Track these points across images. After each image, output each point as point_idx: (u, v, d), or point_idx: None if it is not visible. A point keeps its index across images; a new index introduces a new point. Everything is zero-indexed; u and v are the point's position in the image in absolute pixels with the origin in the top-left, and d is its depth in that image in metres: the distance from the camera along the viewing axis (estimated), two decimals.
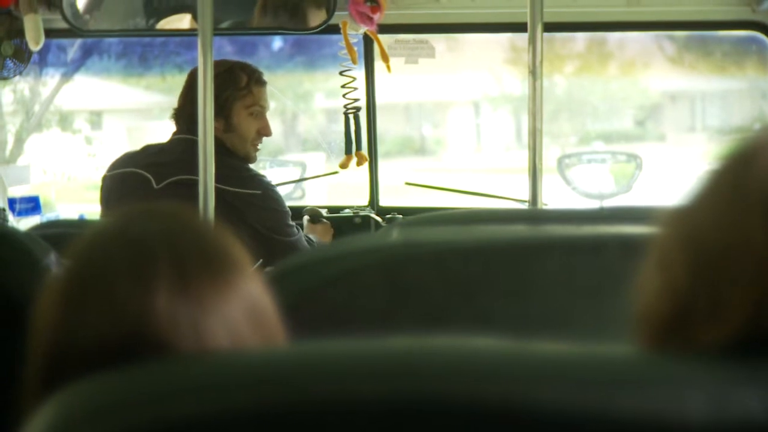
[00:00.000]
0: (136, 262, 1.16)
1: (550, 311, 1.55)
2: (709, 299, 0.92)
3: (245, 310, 1.17)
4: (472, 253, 1.57)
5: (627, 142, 11.26)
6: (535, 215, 2.21)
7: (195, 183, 3.26)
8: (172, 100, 3.82)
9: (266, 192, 3.70)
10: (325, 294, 1.52)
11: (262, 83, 3.79)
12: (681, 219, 0.97)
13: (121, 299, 1.15)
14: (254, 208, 3.63)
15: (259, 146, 3.81)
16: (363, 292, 1.52)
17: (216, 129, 3.48)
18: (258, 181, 3.71)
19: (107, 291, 1.16)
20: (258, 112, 3.76)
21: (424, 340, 0.90)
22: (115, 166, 3.82)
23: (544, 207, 3.21)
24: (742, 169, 0.94)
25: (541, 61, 3.12)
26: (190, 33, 3.98)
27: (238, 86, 3.74)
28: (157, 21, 4.39)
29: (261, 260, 3.59)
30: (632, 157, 4.71)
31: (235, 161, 3.69)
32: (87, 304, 1.17)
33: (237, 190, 3.61)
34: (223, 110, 3.69)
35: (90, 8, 4.30)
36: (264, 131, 3.78)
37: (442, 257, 1.55)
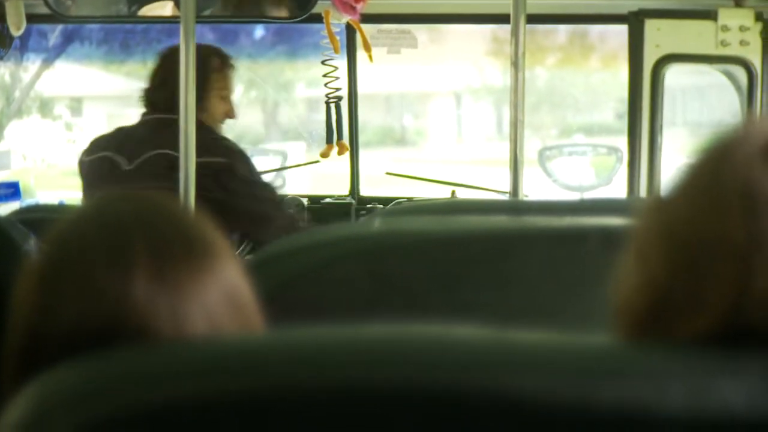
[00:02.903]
0: (114, 247, 1.16)
1: (531, 302, 1.55)
2: (687, 292, 0.92)
3: (224, 296, 1.17)
4: (454, 243, 1.57)
5: (608, 135, 11.29)
6: (516, 206, 2.22)
7: (168, 157, 3.28)
8: None
9: (233, 159, 3.69)
10: (306, 283, 1.52)
11: (233, 68, 3.89)
12: (659, 212, 0.98)
13: (98, 284, 1.14)
14: (222, 176, 3.61)
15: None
16: (344, 281, 1.52)
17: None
18: (224, 148, 3.72)
19: (85, 276, 1.16)
20: (227, 95, 3.85)
21: (404, 328, 0.90)
22: (88, 151, 3.82)
23: (525, 198, 3.21)
24: (719, 163, 0.94)
25: (524, 53, 3.12)
26: (173, 20, 3.97)
27: (212, 68, 3.81)
28: (140, 7, 4.37)
29: (237, 233, 3.59)
30: (613, 150, 4.72)
31: (203, 132, 3.67)
32: (64, 289, 1.16)
33: (204, 159, 3.61)
34: (198, 92, 3.70)
35: None
36: (230, 114, 3.85)
37: (424, 247, 1.55)
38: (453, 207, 1.99)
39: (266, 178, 5.08)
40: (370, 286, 1.52)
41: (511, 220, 1.70)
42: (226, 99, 3.84)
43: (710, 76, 4.33)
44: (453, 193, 4.57)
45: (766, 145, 0.94)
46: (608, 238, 1.49)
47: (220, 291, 1.17)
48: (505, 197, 3.34)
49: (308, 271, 1.52)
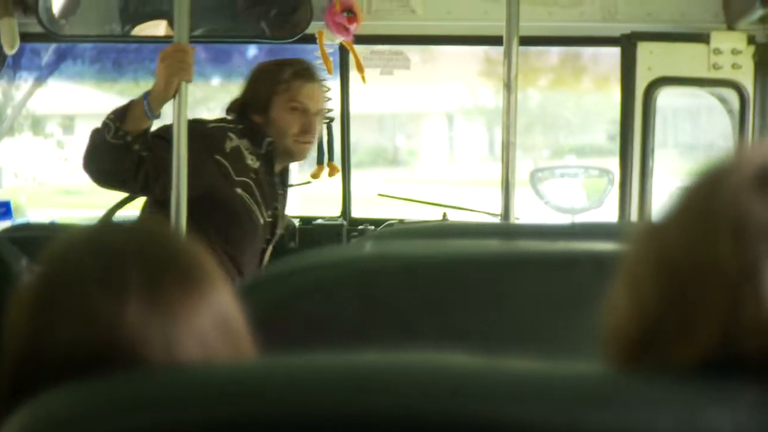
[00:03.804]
0: (108, 272, 1.16)
1: (522, 327, 1.55)
2: (678, 319, 0.92)
3: (215, 322, 1.17)
4: (445, 266, 1.57)
5: (600, 156, 11.30)
6: (507, 230, 2.22)
7: None
8: None
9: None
10: (296, 306, 1.52)
11: (305, 78, 3.68)
12: (650, 238, 0.98)
13: (92, 309, 1.15)
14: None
15: (309, 145, 3.73)
16: (335, 304, 1.52)
17: (258, 121, 3.61)
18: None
19: (78, 300, 1.16)
20: (298, 107, 3.65)
21: (396, 356, 0.90)
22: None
23: (516, 221, 3.22)
24: (710, 191, 0.95)
25: (516, 75, 3.13)
26: (166, 40, 3.98)
27: (279, 80, 3.66)
28: (133, 27, 4.38)
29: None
30: (604, 172, 4.72)
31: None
32: (58, 314, 1.16)
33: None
34: (262, 104, 3.66)
35: (66, 13, 4.29)
36: (306, 127, 3.65)
37: (414, 271, 1.55)
38: (444, 230, 1.99)
39: None
40: (361, 310, 1.52)
41: (502, 244, 1.70)
42: (300, 112, 3.67)
43: (703, 98, 4.35)
44: (444, 215, 4.57)
45: (757, 173, 0.94)
46: (599, 263, 1.49)
47: (212, 317, 1.17)
48: (497, 219, 3.34)
49: (300, 294, 1.52)
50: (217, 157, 3.50)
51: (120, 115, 3.33)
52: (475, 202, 4.75)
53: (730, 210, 0.92)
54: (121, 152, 3.33)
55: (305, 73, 3.69)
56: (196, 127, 3.42)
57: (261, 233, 3.63)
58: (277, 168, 3.71)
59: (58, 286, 1.18)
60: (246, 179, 3.54)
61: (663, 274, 0.95)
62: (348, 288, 1.53)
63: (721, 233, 0.92)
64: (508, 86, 3.12)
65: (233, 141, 3.56)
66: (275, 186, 3.70)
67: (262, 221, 3.59)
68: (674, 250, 0.95)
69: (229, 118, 3.70)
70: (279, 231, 3.79)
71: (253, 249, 3.65)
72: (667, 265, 0.95)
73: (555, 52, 10.48)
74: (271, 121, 3.63)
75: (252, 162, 3.57)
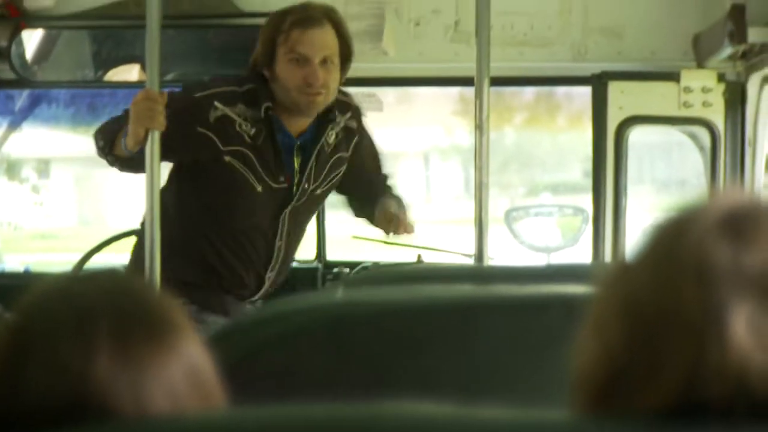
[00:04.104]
0: (79, 325, 1.16)
1: (494, 372, 1.55)
2: (644, 364, 0.93)
3: (185, 374, 1.17)
4: (417, 312, 1.57)
5: (575, 193, 11.34)
6: (480, 273, 2.22)
7: None
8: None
9: None
10: (268, 355, 1.52)
11: (303, 26, 3.39)
12: (617, 283, 0.99)
13: (62, 360, 1.15)
14: None
15: (315, 97, 3.40)
16: (306, 352, 1.52)
17: (268, 77, 3.43)
18: None
19: (49, 351, 1.16)
20: (299, 58, 3.38)
21: (366, 406, 0.90)
22: None
23: (490, 261, 3.22)
24: (676, 236, 0.95)
25: (488, 117, 3.15)
26: (138, 85, 3.98)
27: (279, 30, 3.40)
28: (106, 71, 4.39)
29: None
30: (579, 210, 4.74)
31: None
32: (28, 364, 1.16)
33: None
34: (267, 58, 3.44)
35: (38, 59, 4.30)
36: (309, 78, 3.36)
37: (387, 317, 1.55)
38: (417, 275, 1.99)
39: None
40: (333, 358, 1.52)
41: (474, 289, 1.71)
42: (301, 63, 3.38)
43: (676, 134, 4.38)
44: (419, 256, 4.57)
45: (722, 219, 0.95)
46: (570, 306, 1.50)
47: (181, 368, 1.17)
48: (471, 260, 3.35)
49: (271, 343, 1.52)
50: (200, 129, 3.41)
51: (108, 139, 3.35)
52: (451, 242, 4.76)
53: (694, 255, 0.93)
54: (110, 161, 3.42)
55: (304, 20, 3.39)
56: (182, 97, 3.42)
57: (266, 199, 3.48)
58: (297, 125, 3.49)
59: (29, 337, 1.18)
60: (237, 147, 3.42)
61: (629, 318, 0.95)
62: (319, 336, 1.53)
63: (686, 278, 0.92)
64: (480, 127, 3.13)
65: (218, 110, 3.41)
66: (293, 150, 3.49)
67: (260, 188, 3.45)
68: (640, 295, 0.95)
69: (234, 78, 3.56)
70: (306, 195, 3.54)
71: (256, 216, 3.51)
72: (633, 309, 0.95)
73: (529, 90, 10.54)
74: (276, 75, 3.42)
75: (246, 128, 3.41)
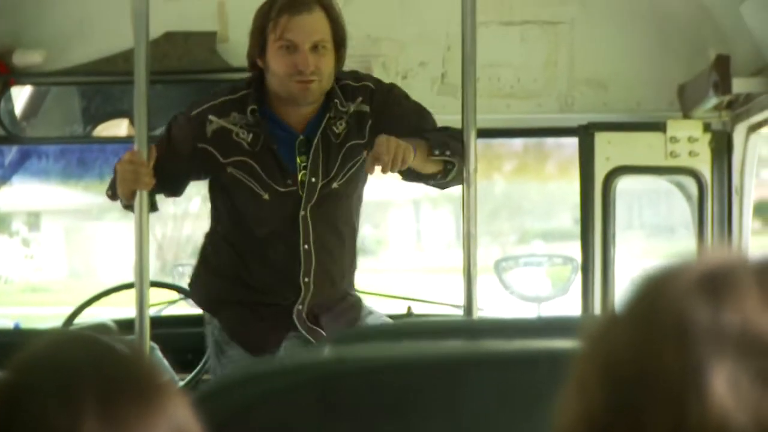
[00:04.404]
0: (65, 389, 1.17)
1: (483, 428, 1.55)
2: (626, 425, 0.93)
3: None
4: (405, 369, 1.57)
5: (567, 240, 11.37)
6: (468, 327, 2.23)
7: None
8: (111, 201, 3.76)
9: None
10: (255, 414, 1.52)
11: (290, 12, 3.28)
12: (598, 342, 0.99)
13: (49, 424, 1.15)
14: None
15: (307, 84, 3.28)
16: (294, 411, 1.52)
17: (261, 67, 3.34)
18: None
19: (36, 415, 1.16)
20: (288, 45, 3.27)
21: None
22: None
23: (480, 312, 3.22)
24: (656, 295, 0.96)
25: (475, 168, 3.16)
26: (126, 140, 4.00)
27: (268, 18, 3.29)
28: (95, 126, 4.41)
29: None
30: (568, 260, 4.76)
31: None
32: (16, 426, 1.17)
33: None
34: (259, 48, 3.35)
35: (28, 115, 4.32)
36: (299, 65, 3.25)
37: (374, 375, 1.55)
38: (405, 330, 2.00)
39: None
40: (321, 416, 1.52)
41: (462, 345, 1.71)
42: (290, 50, 3.27)
43: (665, 182, 4.39)
44: (409, 308, 4.57)
45: (701, 278, 0.96)
46: (557, 362, 1.50)
47: (168, 430, 1.18)
48: (460, 311, 3.35)
49: (258, 402, 1.52)
50: (200, 145, 3.38)
51: (114, 193, 3.32)
52: (442, 291, 4.77)
53: (674, 315, 0.94)
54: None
55: (292, 5, 3.28)
56: (179, 118, 3.44)
57: (276, 205, 3.38)
58: (298, 117, 3.38)
59: (16, 399, 1.19)
60: (237, 157, 3.37)
61: (609, 378, 0.96)
62: (307, 394, 1.53)
63: (666, 338, 0.93)
64: (467, 180, 3.15)
65: (213, 124, 3.37)
66: (294, 147, 3.38)
67: (266, 195, 3.37)
68: (620, 355, 0.96)
69: (229, 87, 3.50)
70: (318, 192, 3.39)
71: (271, 224, 3.42)
72: (613, 369, 0.96)
73: (518, 139, 10.58)
74: (267, 65, 3.32)
75: (244, 136, 3.36)
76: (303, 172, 3.37)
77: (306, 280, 3.41)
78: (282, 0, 3.29)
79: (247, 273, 3.46)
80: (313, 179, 3.37)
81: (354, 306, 3.55)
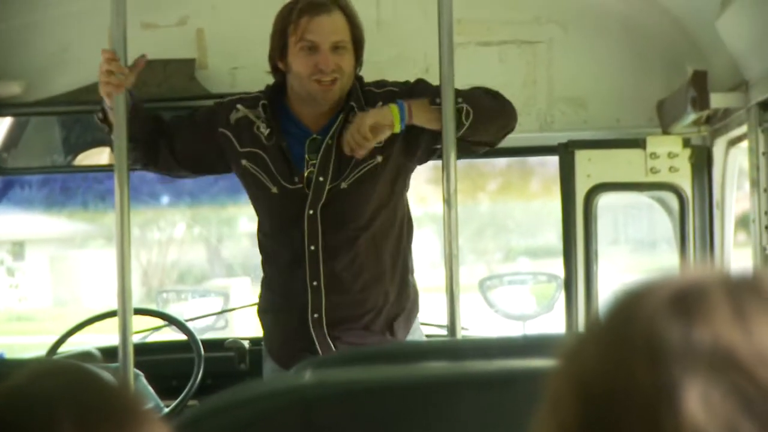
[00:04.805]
0: (43, 418, 1.17)
1: None
2: None
3: None
4: (386, 392, 1.58)
5: (552, 257, 11.38)
6: (451, 348, 2.23)
7: None
8: (95, 229, 3.79)
9: None
10: None
11: (310, 13, 3.36)
12: (571, 361, 0.99)
13: None
14: None
15: (327, 86, 3.35)
16: None
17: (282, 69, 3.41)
18: None
19: None
20: (310, 46, 3.34)
21: None
22: None
23: (464, 332, 3.22)
24: (628, 314, 0.97)
25: (455, 190, 3.17)
26: (108, 168, 4.00)
27: (288, 21, 3.38)
28: (76, 155, 4.41)
29: None
30: (553, 277, 4.77)
31: None
32: None
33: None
34: (279, 51, 3.41)
35: (8, 145, 4.32)
36: (320, 64, 3.33)
37: (356, 398, 1.56)
38: (386, 354, 2.00)
39: (208, 321, 5.06)
40: None
41: (442, 366, 1.72)
42: (311, 51, 3.34)
43: (646, 197, 4.41)
44: None
45: (673, 296, 0.96)
46: (537, 381, 1.51)
47: None
48: (444, 331, 3.36)
49: (241, 427, 1.53)
50: (221, 130, 3.45)
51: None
52: (427, 310, 4.76)
53: (645, 333, 0.94)
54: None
55: (312, 7, 3.37)
56: (208, 107, 3.56)
57: (284, 201, 3.40)
58: (317, 117, 3.43)
59: None
60: (253, 149, 3.42)
61: (583, 395, 0.96)
62: (289, 418, 1.53)
63: (638, 357, 0.93)
64: (448, 202, 3.15)
65: (239, 112, 3.45)
66: (305, 144, 3.42)
67: (275, 189, 3.40)
68: (593, 374, 0.96)
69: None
70: (325, 191, 3.39)
71: (278, 219, 3.45)
72: (586, 386, 0.96)
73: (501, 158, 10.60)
74: (289, 67, 3.40)
75: (263, 130, 3.41)
76: (310, 170, 3.40)
77: (314, 283, 3.40)
78: (302, 2, 3.37)
79: (267, 276, 3.54)
80: (321, 178, 3.39)
81: (386, 319, 3.53)
